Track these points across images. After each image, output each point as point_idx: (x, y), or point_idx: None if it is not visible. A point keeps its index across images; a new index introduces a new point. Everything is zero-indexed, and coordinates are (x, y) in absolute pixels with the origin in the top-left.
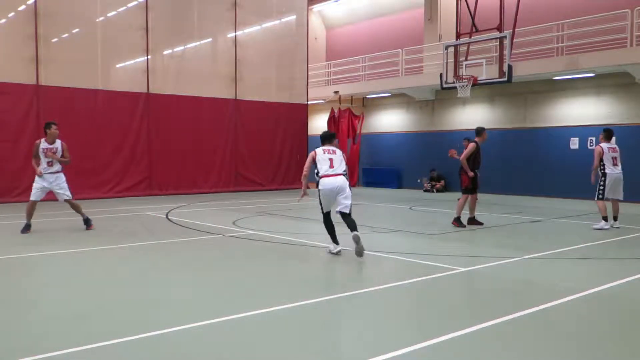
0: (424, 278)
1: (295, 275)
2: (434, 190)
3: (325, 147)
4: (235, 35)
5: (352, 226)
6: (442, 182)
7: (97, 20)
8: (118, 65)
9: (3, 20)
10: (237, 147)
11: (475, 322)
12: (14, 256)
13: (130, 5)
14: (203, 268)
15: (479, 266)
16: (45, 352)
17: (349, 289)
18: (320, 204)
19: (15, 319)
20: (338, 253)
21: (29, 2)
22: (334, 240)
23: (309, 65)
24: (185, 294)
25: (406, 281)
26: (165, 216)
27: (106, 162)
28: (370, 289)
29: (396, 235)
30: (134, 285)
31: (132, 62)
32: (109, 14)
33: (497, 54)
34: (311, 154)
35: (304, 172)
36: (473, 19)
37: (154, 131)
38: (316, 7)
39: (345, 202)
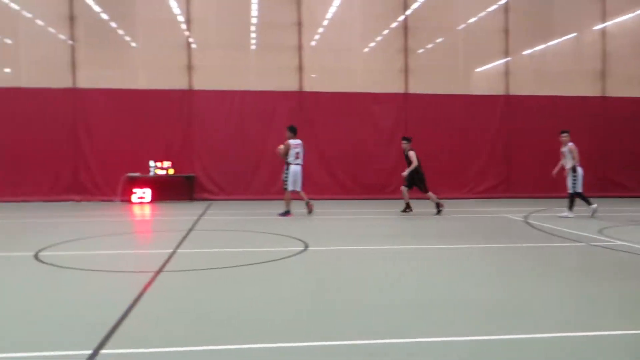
0: None
1: None
2: None
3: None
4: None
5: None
6: None
7: (459, 28)
8: (477, 70)
9: (379, 38)
10: (605, 149)
11: None
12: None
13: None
14: (550, 275)
15: None
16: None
17: None
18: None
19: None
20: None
21: (399, 19)
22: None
23: None
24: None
25: None
26: (523, 219)
27: (465, 164)
28: None
29: None
30: (480, 286)
31: (490, 65)
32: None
33: None
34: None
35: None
36: None
37: (514, 133)
38: None
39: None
